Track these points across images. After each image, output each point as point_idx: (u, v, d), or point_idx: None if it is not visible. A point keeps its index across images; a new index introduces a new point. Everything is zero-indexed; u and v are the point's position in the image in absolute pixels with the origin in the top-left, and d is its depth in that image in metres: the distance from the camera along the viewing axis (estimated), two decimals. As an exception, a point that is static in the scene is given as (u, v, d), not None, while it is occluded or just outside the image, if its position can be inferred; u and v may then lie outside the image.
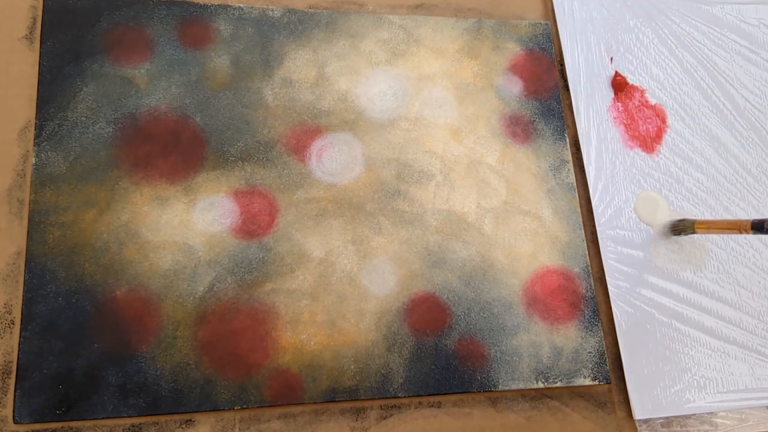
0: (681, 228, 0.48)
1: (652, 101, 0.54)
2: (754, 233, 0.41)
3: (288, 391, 0.40)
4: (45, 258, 0.40)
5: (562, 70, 0.53)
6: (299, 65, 0.48)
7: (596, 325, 0.46)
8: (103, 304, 0.39)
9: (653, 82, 0.55)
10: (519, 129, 0.50)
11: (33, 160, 0.41)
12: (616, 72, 0.54)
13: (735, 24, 0.59)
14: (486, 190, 0.48)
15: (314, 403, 0.40)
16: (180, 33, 0.46)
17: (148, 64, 0.45)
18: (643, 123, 0.53)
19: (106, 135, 0.43)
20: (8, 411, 0.37)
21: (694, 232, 0.48)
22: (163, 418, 0.39)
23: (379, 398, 0.41)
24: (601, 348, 0.45)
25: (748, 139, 0.55)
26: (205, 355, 0.40)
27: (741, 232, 0.43)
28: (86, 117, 0.43)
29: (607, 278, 0.47)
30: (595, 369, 0.45)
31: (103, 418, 0.38)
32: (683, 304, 0.48)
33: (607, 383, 0.45)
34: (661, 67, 0.56)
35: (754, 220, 0.41)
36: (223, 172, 0.44)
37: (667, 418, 0.45)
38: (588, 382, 0.44)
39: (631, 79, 0.54)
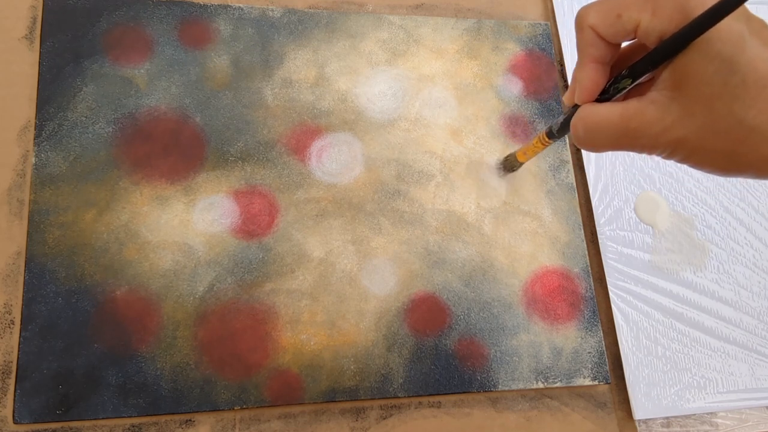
0: (510, 164, 0.47)
1: (652, 101, 0.54)
2: (551, 140, 0.40)
3: (288, 391, 0.40)
4: (45, 258, 0.40)
5: (561, 70, 0.53)
6: (299, 65, 0.48)
7: (596, 325, 0.46)
8: (103, 304, 0.39)
9: (653, 83, 0.55)
10: (519, 129, 0.50)
11: (33, 160, 0.41)
12: (616, 72, 0.54)
13: (735, 24, 0.59)
14: (486, 190, 0.48)
15: (314, 403, 0.40)
16: (180, 33, 0.46)
17: (148, 64, 0.45)
18: (643, 123, 0.53)
19: (106, 135, 0.43)
20: (8, 411, 0.37)
21: (521, 163, 0.47)
22: (163, 418, 0.39)
23: (379, 398, 0.41)
24: (601, 348, 0.45)
25: (748, 140, 0.55)
26: (205, 355, 0.40)
27: (545, 145, 0.42)
28: (86, 117, 0.43)
29: (607, 278, 0.47)
30: (595, 369, 0.45)
31: (103, 418, 0.38)
32: (683, 304, 0.48)
33: (607, 383, 0.45)
34: (661, 67, 0.55)
35: (547, 129, 0.40)
36: (223, 172, 0.44)
37: (667, 418, 0.45)
38: (588, 382, 0.44)
39: (631, 80, 0.54)
